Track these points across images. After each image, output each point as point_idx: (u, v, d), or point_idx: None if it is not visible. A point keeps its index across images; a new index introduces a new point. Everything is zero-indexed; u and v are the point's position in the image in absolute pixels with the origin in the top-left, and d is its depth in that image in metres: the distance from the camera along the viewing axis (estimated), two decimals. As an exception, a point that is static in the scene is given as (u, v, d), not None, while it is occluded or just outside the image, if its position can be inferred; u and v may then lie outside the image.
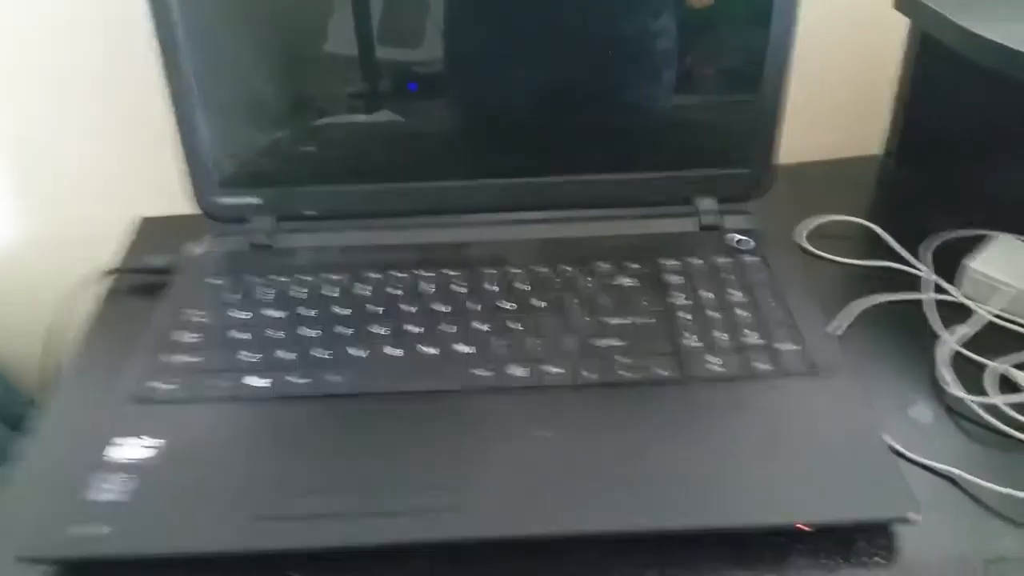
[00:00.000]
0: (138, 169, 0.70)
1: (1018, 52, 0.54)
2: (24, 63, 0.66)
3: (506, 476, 0.43)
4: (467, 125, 0.60)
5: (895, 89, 0.69)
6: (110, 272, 0.60)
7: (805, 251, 0.62)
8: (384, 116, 0.59)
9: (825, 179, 0.70)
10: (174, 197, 0.59)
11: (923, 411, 0.49)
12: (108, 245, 0.64)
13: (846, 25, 0.71)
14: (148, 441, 0.45)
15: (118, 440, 0.45)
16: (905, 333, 0.54)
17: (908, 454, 0.46)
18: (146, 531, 0.41)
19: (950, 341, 0.52)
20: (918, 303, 0.56)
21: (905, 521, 0.41)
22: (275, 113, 0.59)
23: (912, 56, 0.67)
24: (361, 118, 0.59)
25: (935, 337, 0.53)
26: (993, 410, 0.48)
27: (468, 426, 0.46)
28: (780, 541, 0.42)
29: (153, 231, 0.66)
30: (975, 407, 0.48)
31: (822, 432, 0.45)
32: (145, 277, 0.60)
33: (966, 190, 0.66)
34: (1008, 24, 0.56)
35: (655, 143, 0.60)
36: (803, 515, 0.41)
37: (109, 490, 0.42)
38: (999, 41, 0.55)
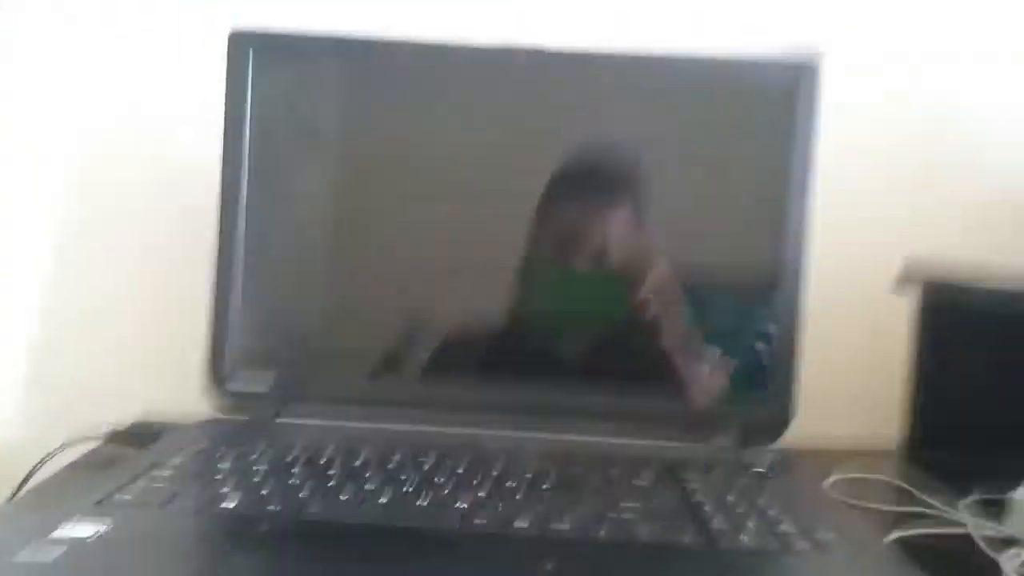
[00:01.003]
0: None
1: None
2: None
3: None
4: (493, 339, 0.60)
5: (906, 376, 0.71)
6: (96, 437, 0.57)
7: (831, 496, 0.58)
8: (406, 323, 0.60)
9: (844, 455, 0.67)
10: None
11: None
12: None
13: (855, 315, 0.75)
14: (97, 527, 0.38)
15: (70, 524, 0.39)
16: (949, 559, 0.49)
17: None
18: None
19: (1012, 560, 0.46)
20: (961, 538, 0.51)
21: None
22: (304, 305, 0.61)
23: (920, 334, 0.69)
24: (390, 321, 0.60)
25: (981, 565, 0.47)
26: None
27: (457, 556, 0.39)
28: None
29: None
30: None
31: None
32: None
33: (990, 465, 0.64)
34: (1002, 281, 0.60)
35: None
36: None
37: (42, 555, 0.36)
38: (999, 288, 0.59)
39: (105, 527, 0.38)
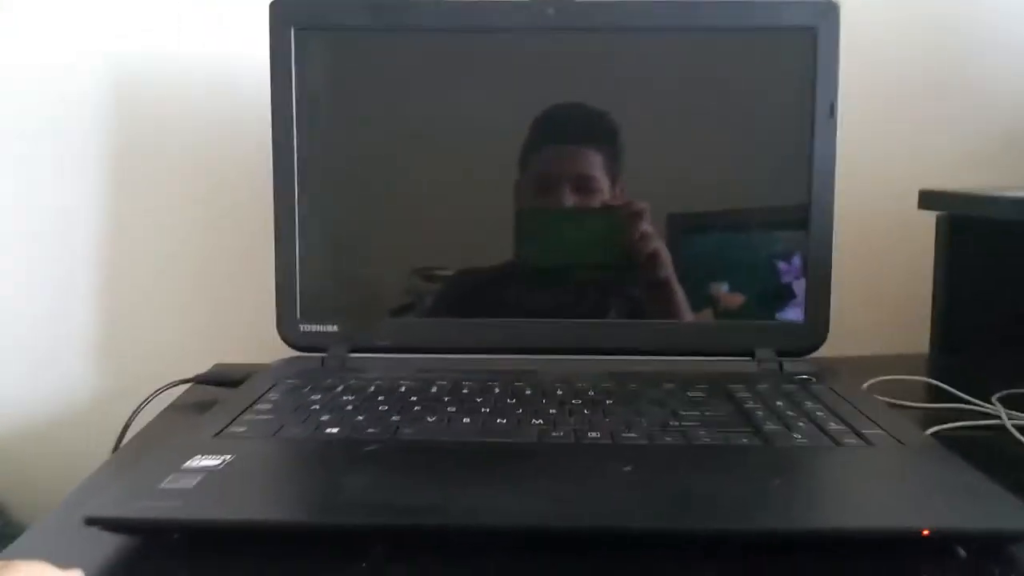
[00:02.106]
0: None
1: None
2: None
3: (596, 485, 0.41)
4: (541, 272, 0.64)
5: (933, 287, 0.74)
6: (186, 381, 0.61)
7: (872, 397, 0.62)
8: (465, 262, 0.64)
9: (878, 363, 0.72)
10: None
11: None
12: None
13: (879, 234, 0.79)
14: (223, 457, 0.43)
15: (197, 457, 0.43)
16: (986, 449, 0.53)
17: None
18: (216, 506, 0.38)
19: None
20: (995, 429, 0.55)
21: (1035, 533, 0.37)
22: (358, 254, 0.65)
23: (943, 248, 0.73)
24: (447, 265, 0.64)
25: (1018, 453, 0.51)
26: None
27: (546, 464, 0.44)
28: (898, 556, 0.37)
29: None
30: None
31: (929, 473, 0.43)
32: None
33: (1018, 362, 0.68)
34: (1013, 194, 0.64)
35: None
36: (928, 523, 0.37)
37: (184, 483, 0.40)
38: (1015, 196, 0.62)
39: (230, 456, 0.43)
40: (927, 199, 0.71)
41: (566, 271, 0.64)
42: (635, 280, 0.64)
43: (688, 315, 0.63)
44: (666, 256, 0.63)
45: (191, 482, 0.40)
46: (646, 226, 0.62)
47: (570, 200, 0.63)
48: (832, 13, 0.61)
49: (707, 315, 0.64)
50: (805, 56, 0.62)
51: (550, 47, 0.64)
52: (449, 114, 0.64)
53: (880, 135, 0.80)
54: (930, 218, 0.74)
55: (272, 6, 0.62)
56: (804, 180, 0.62)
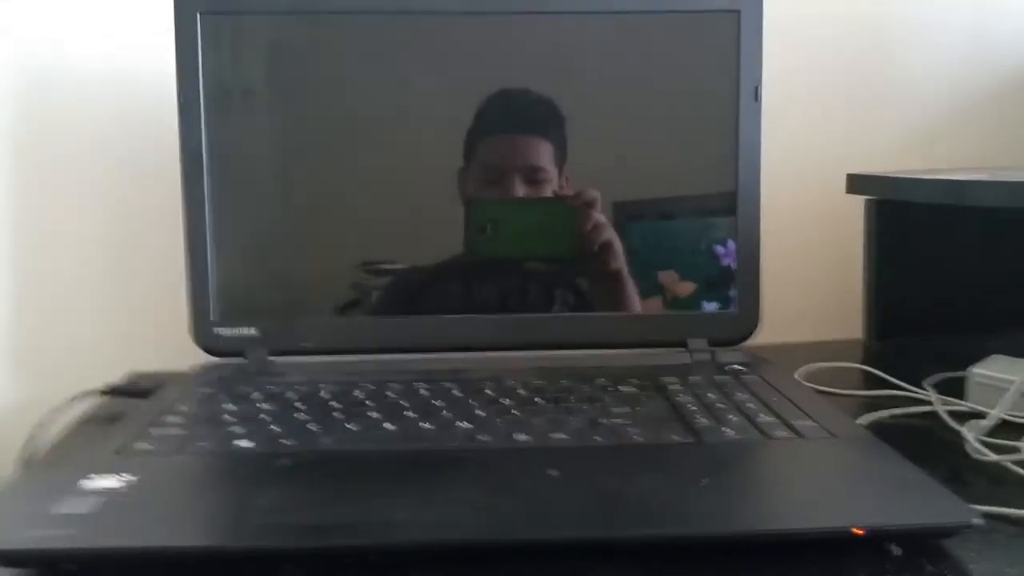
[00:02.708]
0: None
1: (962, 181, 0.61)
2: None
3: (521, 493, 0.39)
4: (467, 264, 0.62)
5: (864, 272, 0.74)
6: (95, 392, 0.58)
7: (805, 386, 0.61)
8: (399, 258, 0.62)
9: (812, 350, 0.71)
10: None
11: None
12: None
13: (808, 220, 0.79)
14: (124, 477, 0.40)
15: (93, 476, 0.40)
16: (919, 437, 0.53)
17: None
18: (113, 533, 0.35)
19: (974, 429, 0.50)
20: (927, 416, 0.55)
21: (968, 527, 0.36)
22: (279, 251, 0.62)
23: (872, 233, 0.73)
24: (377, 260, 0.62)
25: (950, 439, 0.51)
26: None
27: (470, 471, 0.42)
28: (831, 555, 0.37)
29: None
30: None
31: (861, 467, 0.43)
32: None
33: (948, 347, 0.68)
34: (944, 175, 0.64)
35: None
36: (859, 521, 0.36)
37: (79, 507, 0.37)
38: (944, 178, 0.62)
39: (131, 476, 0.40)
40: (854, 183, 0.71)
41: (514, 264, 0.62)
42: (586, 271, 0.62)
43: (636, 305, 0.62)
44: (618, 246, 0.61)
45: (87, 506, 0.37)
46: (599, 216, 0.61)
47: (520, 191, 0.61)
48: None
49: (647, 305, 0.62)
50: (729, 39, 0.61)
51: (475, 30, 0.61)
52: (369, 101, 0.61)
53: (810, 120, 0.80)
54: (859, 203, 0.73)
55: (176, -5, 0.58)
56: (731, 166, 0.62)
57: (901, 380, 0.60)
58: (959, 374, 0.58)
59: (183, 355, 0.60)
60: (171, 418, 0.48)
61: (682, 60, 0.62)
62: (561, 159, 0.62)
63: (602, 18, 0.61)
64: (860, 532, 0.35)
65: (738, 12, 0.60)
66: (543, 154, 0.61)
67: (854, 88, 0.81)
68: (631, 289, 0.62)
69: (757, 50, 0.61)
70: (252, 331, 0.60)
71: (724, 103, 0.61)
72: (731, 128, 0.61)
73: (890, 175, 0.69)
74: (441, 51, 0.61)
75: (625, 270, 0.62)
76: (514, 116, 0.62)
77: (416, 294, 0.61)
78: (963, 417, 0.53)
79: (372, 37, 0.60)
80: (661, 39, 0.62)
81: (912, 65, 0.82)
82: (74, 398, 0.58)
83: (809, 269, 0.80)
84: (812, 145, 0.79)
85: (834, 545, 0.36)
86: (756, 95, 0.61)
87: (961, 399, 0.56)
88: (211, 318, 0.59)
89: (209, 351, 0.60)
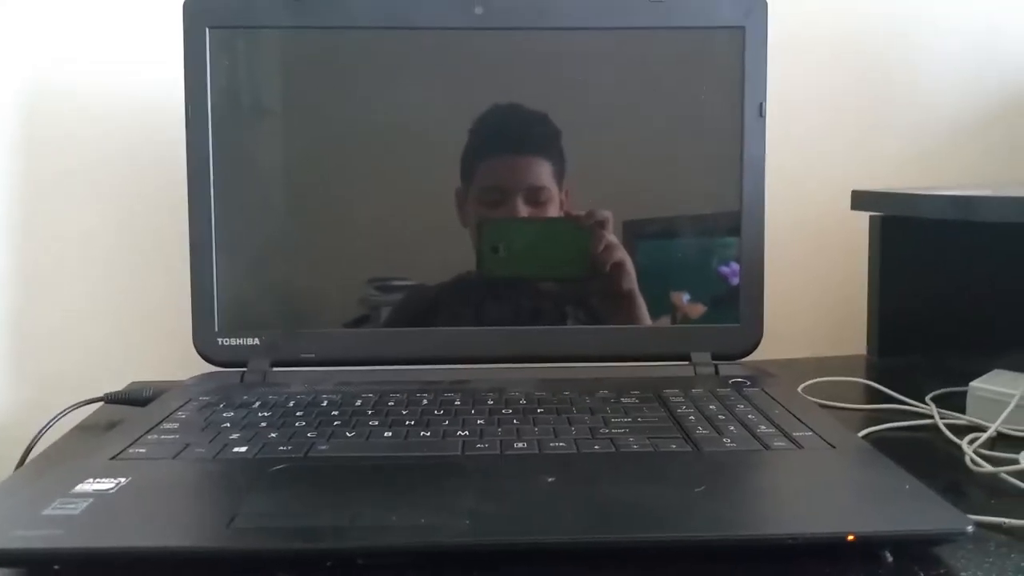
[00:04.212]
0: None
1: (967, 197, 0.60)
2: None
3: (516, 498, 0.39)
4: (477, 283, 0.62)
5: (868, 289, 0.74)
6: (95, 400, 0.58)
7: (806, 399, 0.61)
8: (394, 270, 0.62)
9: (815, 365, 0.71)
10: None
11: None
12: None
13: (813, 236, 0.78)
14: (117, 480, 0.40)
15: (86, 479, 0.40)
16: (919, 450, 0.52)
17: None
18: (101, 533, 0.36)
19: (973, 442, 0.50)
20: (927, 429, 0.55)
21: (962, 535, 0.36)
22: (283, 263, 0.62)
23: (876, 249, 0.73)
24: (381, 275, 0.62)
25: (949, 452, 0.51)
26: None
27: (466, 478, 0.42)
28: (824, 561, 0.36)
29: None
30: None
31: (857, 476, 0.42)
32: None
33: (950, 363, 0.68)
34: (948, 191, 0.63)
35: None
36: (853, 527, 0.36)
37: (70, 509, 0.37)
38: (949, 194, 0.62)
39: (124, 479, 0.40)
40: (859, 200, 0.70)
41: (525, 284, 0.62)
42: (598, 291, 0.62)
43: (645, 322, 0.62)
44: (630, 266, 0.61)
45: (77, 508, 0.37)
46: (610, 236, 0.61)
47: (524, 212, 0.61)
48: (759, 11, 0.61)
49: (649, 320, 0.62)
50: (733, 56, 0.61)
51: (479, 47, 0.62)
52: (377, 115, 0.62)
53: (815, 136, 0.80)
54: (864, 219, 0.73)
55: (185, 5, 0.59)
56: (735, 182, 0.62)
57: (903, 395, 0.60)
58: (960, 389, 0.57)
59: (185, 366, 0.60)
60: (168, 425, 0.49)
61: (686, 76, 0.62)
62: (561, 176, 0.62)
63: (606, 34, 0.62)
64: (853, 538, 0.35)
65: (743, 29, 0.61)
66: (544, 173, 0.62)
67: (858, 104, 0.81)
68: (641, 308, 0.62)
69: (762, 67, 0.61)
70: (255, 341, 0.60)
71: (728, 119, 0.61)
72: (736, 144, 0.61)
73: (894, 191, 0.69)
74: (446, 67, 0.62)
75: (637, 290, 0.62)
76: (518, 135, 0.62)
77: (424, 312, 0.61)
78: (963, 431, 0.53)
79: (378, 52, 0.61)
80: (665, 56, 0.62)
81: (916, 82, 0.82)
82: (75, 406, 0.58)
83: (813, 285, 0.80)
84: (817, 161, 0.79)
85: (827, 551, 0.36)
86: (761, 111, 0.61)
87: (962, 413, 0.56)
88: (214, 328, 0.60)
89: (211, 361, 0.60)
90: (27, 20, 0.71)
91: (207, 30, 0.60)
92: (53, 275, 0.73)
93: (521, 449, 0.45)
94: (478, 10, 0.61)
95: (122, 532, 0.36)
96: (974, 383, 0.56)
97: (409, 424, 0.49)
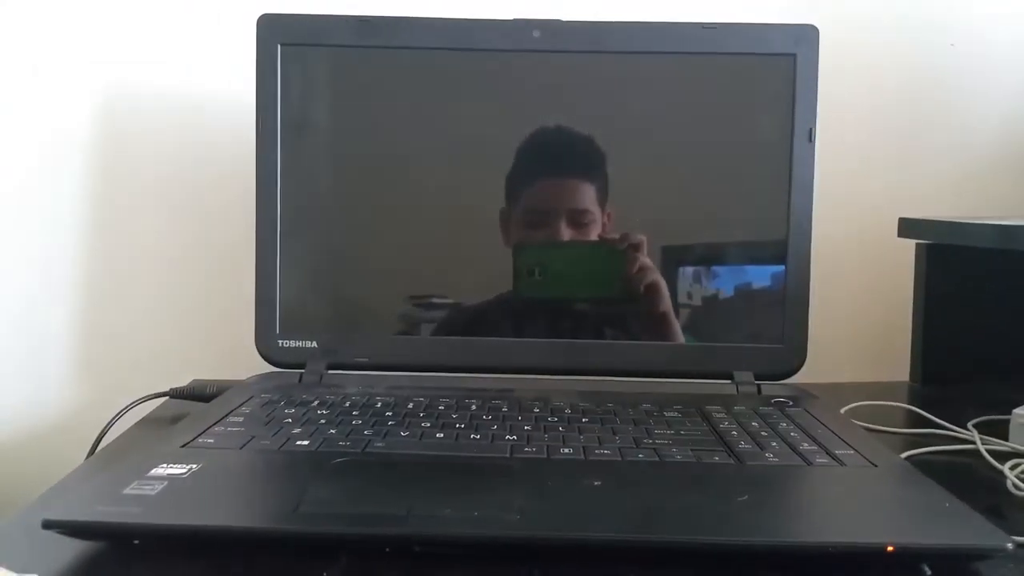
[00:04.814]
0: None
1: (1014, 226, 0.61)
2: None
3: (563, 498, 0.41)
4: (515, 305, 0.64)
5: (912, 316, 0.75)
6: (161, 395, 0.61)
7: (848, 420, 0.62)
8: (452, 290, 0.64)
9: (858, 389, 0.71)
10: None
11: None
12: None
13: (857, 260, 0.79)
14: (189, 466, 0.43)
15: (163, 465, 0.43)
16: (959, 473, 0.53)
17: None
18: (176, 513, 0.38)
19: (1014, 471, 0.50)
20: (969, 454, 0.55)
21: (1001, 551, 0.37)
22: (341, 273, 0.65)
23: (922, 277, 0.73)
24: (430, 291, 0.64)
25: (990, 477, 0.51)
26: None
27: (514, 477, 0.44)
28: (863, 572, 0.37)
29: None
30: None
31: (898, 492, 0.43)
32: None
33: (994, 392, 0.68)
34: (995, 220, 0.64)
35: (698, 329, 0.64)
36: (893, 539, 0.37)
37: (147, 489, 0.40)
38: (996, 223, 0.62)
39: (195, 465, 0.43)
40: (906, 227, 0.71)
41: (560, 303, 0.64)
42: (633, 313, 0.64)
43: (678, 340, 0.63)
44: (664, 288, 0.63)
45: (154, 489, 0.40)
46: (644, 259, 0.63)
47: (566, 234, 0.63)
48: (811, 39, 0.62)
49: (689, 338, 0.64)
50: (784, 82, 0.63)
51: (534, 69, 0.64)
52: (434, 134, 0.64)
53: (863, 162, 0.81)
54: (910, 246, 0.74)
55: (260, 21, 0.63)
56: (783, 206, 0.63)
57: (946, 421, 0.60)
58: (1003, 416, 0.58)
59: (244, 368, 0.63)
60: (234, 419, 0.51)
61: (737, 102, 0.64)
62: (604, 199, 0.64)
63: (658, 59, 0.64)
64: (892, 549, 0.36)
65: (794, 56, 0.62)
66: (587, 197, 0.64)
67: (907, 132, 0.82)
68: (676, 329, 0.63)
69: (812, 93, 0.63)
70: (313, 344, 0.62)
71: (778, 144, 0.63)
72: (784, 168, 0.63)
73: (942, 219, 0.69)
74: (501, 88, 0.65)
75: (672, 312, 0.63)
76: (564, 158, 0.64)
77: (470, 323, 0.64)
78: (1005, 457, 0.53)
79: (438, 73, 0.64)
80: (716, 81, 0.64)
81: (966, 110, 0.82)
82: (141, 399, 0.61)
83: (859, 310, 0.80)
84: (864, 188, 0.80)
85: (867, 562, 0.37)
86: (810, 137, 0.63)
87: (1004, 440, 0.56)
88: (276, 331, 0.62)
89: (272, 361, 0.63)
90: (111, 31, 0.75)
91: (279, 47, 0.63)
92: (122, 280, 0.77)
93: (567, 455, 0.47)
94: (536, 33, 0.63)
95: (197, 512, 0.39)
96: (1017, 410, 0.57)
97: (459, 427, 0.51)
